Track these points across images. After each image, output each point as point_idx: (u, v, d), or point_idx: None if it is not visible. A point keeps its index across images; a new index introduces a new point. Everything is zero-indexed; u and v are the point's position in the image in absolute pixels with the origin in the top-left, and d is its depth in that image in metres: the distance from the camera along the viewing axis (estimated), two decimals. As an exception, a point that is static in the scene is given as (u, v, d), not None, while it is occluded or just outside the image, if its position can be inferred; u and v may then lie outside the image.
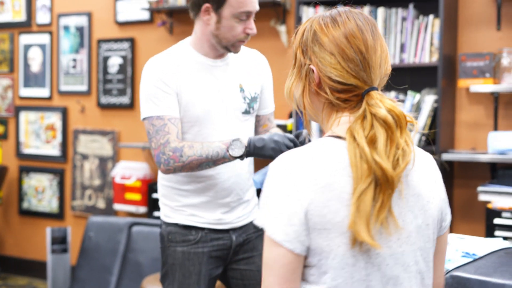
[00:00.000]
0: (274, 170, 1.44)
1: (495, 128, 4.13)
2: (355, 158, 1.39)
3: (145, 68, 2.49)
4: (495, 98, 4.12)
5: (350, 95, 1.48)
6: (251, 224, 2.66)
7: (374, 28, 1.52)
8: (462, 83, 4.08)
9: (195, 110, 2.46)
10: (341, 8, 1.55)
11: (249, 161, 2.64)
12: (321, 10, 4.37)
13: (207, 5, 2.44)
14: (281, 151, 2.22)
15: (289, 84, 1.58)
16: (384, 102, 1.44)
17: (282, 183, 1.41)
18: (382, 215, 1.38)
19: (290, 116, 4.64)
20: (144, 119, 2.45)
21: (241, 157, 2.34)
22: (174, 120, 2.41)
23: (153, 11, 5.19)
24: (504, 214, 3.69)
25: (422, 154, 1.56)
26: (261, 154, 2.33)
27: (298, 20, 4.42)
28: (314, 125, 4.02)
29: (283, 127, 4.53)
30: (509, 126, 4.10)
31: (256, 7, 2.46)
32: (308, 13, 4.41)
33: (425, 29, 4.11)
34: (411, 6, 4.16)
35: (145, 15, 5.34)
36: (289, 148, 2.26)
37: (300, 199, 1.38)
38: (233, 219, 2.59)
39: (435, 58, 4.06)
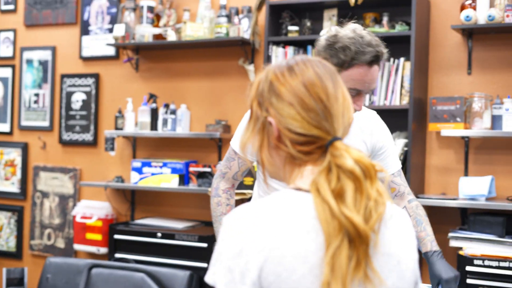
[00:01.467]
0: (228, 223, 1.32)
1: (466, 173, 4.07)
2: (324, 213, 1.28)
3: None
4: (466, 142, 4.07)
5: (313, 147, 1.37)
6: None
7: (334, 75, 1.42)
8: (432, 126, 4.03)
9: None
10: (298, 57, 1.45)
11: None
12: (290, 50, 4.30)
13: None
14: None
15: (244, 139, 1.46)
16: (350, 153, 1.34)
17: (234, 237, 1.29)
18: (360, 273, 1.26)
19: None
20: (230, 143, 2.54)
21: None
22: (242, 162, 2.49)
23: (119, 47, 5.08)
24: (476, 261, 3.61)
25: (396, 210, 1.44)
26: None
27: (268, 59, 4.35)
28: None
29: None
30: (480, 171, 4.05)
31: (370, 87, 2.30)
32: (278, 52, 4.34)
33: (395, 71, 4.06)
34: (382, 48, 4.12)
35: (111, 51, 5.22)
36: None
37: (253, 255, 1.26)
38: None
39: (405, 101, 4.01)
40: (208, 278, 1.31)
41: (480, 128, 3.94)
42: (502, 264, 3.55)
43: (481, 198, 3.85)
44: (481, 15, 3.90)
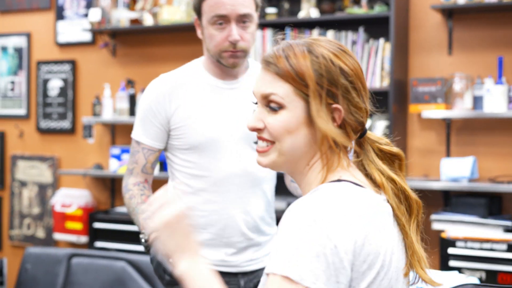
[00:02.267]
0: (312, 214, 1.18)
1: (448, 154, 4.04)
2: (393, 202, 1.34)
3: (146, 88, 2.31)
4: (447, 123, 4.03)
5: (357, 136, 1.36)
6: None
7: None
8: (413, 108, 3.99)
9: (195, 137, 2.20)
10: (313, 38, 1.37)
11: (266, 199, 2.28)
12: (269, 33, 4.23)
13: (195, 17, 2.24)
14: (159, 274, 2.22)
15: (321, 128, 1.29)
16: (380, 138, 1.39)
17: (327, 231, 1.17)
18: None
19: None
20: (131, 135, 2.34)
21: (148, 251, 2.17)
22: (147, 151, 2.26)
23: (95, 32, 4.98)
24: (458, 244, 3.58)
25: None
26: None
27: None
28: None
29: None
30: (462, 153, 4.02)
31: (235, 10, 2.12)
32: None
33: (375, 53, 4.01)
34: (361, 29, 4.06)
35: (87, 37, 5.13)
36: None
37: (347, 252, 1.18)
38: (241, 262, 2.24)
39: (386, 82, 3.97)
40: (291, 273, 1.14)
41: (461, 109, 3.90)
42: (484, 245, 3.53)
43: (464, 180, 3.82)
44: (461, -6, 3.85)
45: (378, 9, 4.02)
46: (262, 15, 4.38)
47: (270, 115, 1.32)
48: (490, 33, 3.99)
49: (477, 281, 2.46)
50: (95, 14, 4.81)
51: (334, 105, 1.28)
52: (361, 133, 1.34)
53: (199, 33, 2.24)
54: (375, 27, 4.09)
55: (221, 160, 2.20)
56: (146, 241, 2.09)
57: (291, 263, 1.14)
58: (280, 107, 1.30)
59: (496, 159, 3.96)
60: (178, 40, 4.85)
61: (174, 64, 4.82)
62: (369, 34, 4.12)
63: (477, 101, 3.89)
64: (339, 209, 1.19)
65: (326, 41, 1.35)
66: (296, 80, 1.29)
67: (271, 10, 4.29)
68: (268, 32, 4.26)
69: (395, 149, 1.37)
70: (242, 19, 2.14)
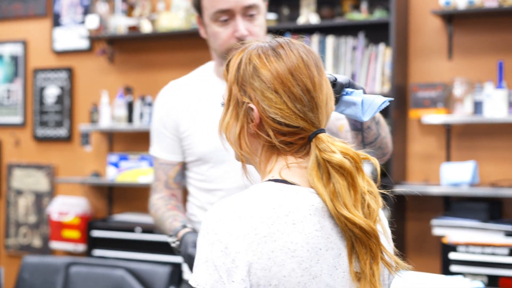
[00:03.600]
0: (208, 221, 1.24)
1: (448, 159, 4.03)
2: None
3: (156, 99, 2.20)
4: (447, 129, 4.03)
5: (296, 137, 1.30)
6: None
7: (319, 61, 1.35)
8: (414, 113, 3.98)
9: (201, 147, 2.04)
10: (280, 39, 1.36)
11: None
12: (268, 39, 4.22)
13: (197, 15, 2.05)
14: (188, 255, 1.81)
15: (225, 123, 1.36)
16: (336, 145, 1.28)
17: (218, 234, 1.21)
18: (379, 263, 1.26)
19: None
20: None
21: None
22: (165, 166, 2.10)
23: (93, 39, 4.96)
24: (459, 249, 3.57)
25: None
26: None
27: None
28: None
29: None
30: (462, 157, 4.01)
31: (239, 2, 1.90)
32: (255, 41, 4.27)
33: (375, 58, 4.01)
34: (361, 35, 4.06)
35: (84, 44, 5.11)
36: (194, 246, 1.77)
37: (239, 251, 1.19)
38: None
39: (386, 88, 3.96)
40: (192, 281, 1.22)
41: (461, 114, 3.90)
42: (486, 250, 3.51)
43: (464, 185, 3.81)
44: (460, 0, 3.85)
45: (378, 14, 4.02)
46: (261, 21, 4.38)
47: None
48: (490, 38, 4.00)
49: (482, 286, 2.45)
50: (92, 21, 4.80)
51: (249, 104, 1.30)
52: (310, 135, 1.30)
53: (202, 32, 2.06)
54: (375, 32, 4.09)
55: (230, 172, 2.01)
56: (175, 242, 1.91)
57: (194, 272, 1.23)
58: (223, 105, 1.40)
59: (496, 163, 3.95)
60: (177, 47, 4.83)
61: (172, 71, 4.83)
62: (369, 39, 4.11)
63: (478, 106, 3.89)
64: (235, 212, 1.22)
65: (274, 43, 1.34)
66: (226, 78, 1.37)
67: (270, 16, 4.29)
68: (268, 39, 4.25)
69: (342, 161, 1.25)
70: (248, 11, 1.93)
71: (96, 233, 4.54)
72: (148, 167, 4.64)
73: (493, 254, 3.50)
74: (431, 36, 4.12)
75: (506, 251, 3.47)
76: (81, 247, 4.88)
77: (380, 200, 1.29)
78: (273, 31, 4.20)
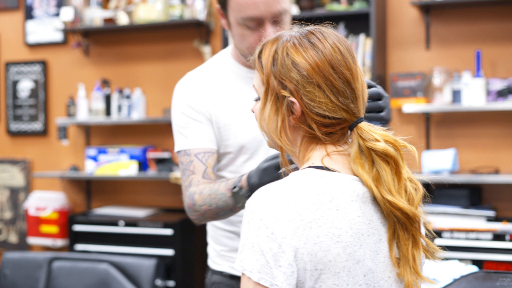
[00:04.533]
0: (253, 206, 1.26)
1: (428, 147, 4.11)
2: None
3: (174, 92, 2.04)
4: (427, 118, 4.11)
5: (337, 128, 1.34)
6: None
7: (351, 49, 1.37)
8: (394, 103, 4.05)
9: (237, 139, 1.95)
10: (311, 27, 1.38)
11: None
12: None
13: (217, 6, 1.96)
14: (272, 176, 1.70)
15: (266, 117, 1.37)
16: (377, 133, 1.31)
17: (264, 220, 1.23)
18: (420, 250, 1.32)
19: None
20: (175, 153, 2.02)
21: None
22: (202, 155, 1.93)
23: (67, 32, 4.90)
24: (444, 235, 3.65)
25: None
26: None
27: (225, 41, 4.27)
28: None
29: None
30: (441, 145, 4.10)
31: (270, 9, 1.82)
32: (236, 33, 4.27)
33: (356, 49, 4.05)
34: (341, 26, 4.10)
35: (58, 36, 5.04)
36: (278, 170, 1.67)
37: (286, 236, 1.22)
38: None
39: (367, 77, 4.01)
40: (237, 265, 1.25)
41: (440, 102, 3.97)
42: (470, 235, 3.60)
43: (445, 172, 3.89)
44: (439, -10, 3.92)
45: (358, 5, 4.07)
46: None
47: (256, 103, 1.43)
48: (467, 28, 4.08)
49: (477, 269, 2.52)
50: (67, 14, 4.74)
51: (290, 98, 1.31)
52: (350, 125, 1.34)
53: (223, 23, 1.97)
54: (354, 23, 4.14)
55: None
56: (241, 189, 1.75)
57: (239, 257, 1.25)
58: (259, 97, 1.40)
59: (475, 151, 4.05)
60: (154, 38, 4.81)
61: (150, 63, 4.81)
62: (349, 30, 4.16)
63: (456, 95, 3.97)
64: (279, 198, 1.25)
65: (305, 32, 1.36)
66: (261, 70, 1.37)
67: (250, 7, 4.29)
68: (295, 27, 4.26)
69: (386, 149, 1.30)
70: (278, 17, 1.86)
71: (78, 228, 4.51)
72: (128, 160, 4.62)
73: (477, 239, 3.59)
74: (409, 27, 4.19)
75: (489, 236, 3.56)
76: (60, 242, 4.84)
77: (420, 187, 1.34)
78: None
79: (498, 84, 3.90)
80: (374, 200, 1.30)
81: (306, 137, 1.36)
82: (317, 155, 1.35)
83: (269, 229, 1.22)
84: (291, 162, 1.55)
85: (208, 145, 1.94)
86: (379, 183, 1.28)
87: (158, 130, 4.80)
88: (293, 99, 1.32)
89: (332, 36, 1.36)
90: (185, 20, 4.46)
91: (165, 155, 4.60)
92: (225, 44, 4.27)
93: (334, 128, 1.33)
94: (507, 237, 3.53)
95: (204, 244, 4.47)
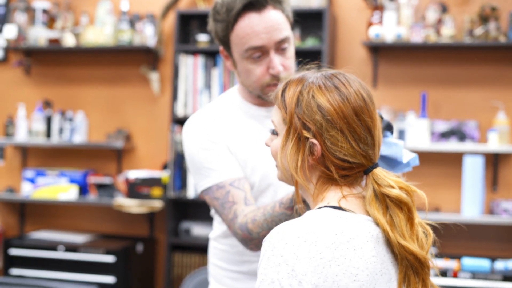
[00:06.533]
0: (274, 243, 1.29)
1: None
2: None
3: (184, 133, 1.97)
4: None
5: (354, 171, 1.38)
6: None
7: (371, 95, 1.43)
8: (341, 139, 4.13)
9: (253, 178, 1.91)
10: (333, 71, 1.43)
11: None
12: (200, 60, 4.26)
13: (221, 48, 1.95)
14: None
15: (287, 155, 1.40)
16: (390, 179, 1.37)
17: (284, 257, 1.27)
18: None
19: (165, 167, 4.44)
20: (203, 194, 1.91)
21: None
22: (237, 182, 1.85)
23: (9, 50, 4.78)
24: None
25: None
26: None
27: (175, 68, 4.27)
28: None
29: (157, 180, 4.32)
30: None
31: (271, 38, 1.83)
32: (187, 61, 4.28)
33: (307, 84, 4.13)
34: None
35: (-1, 54, 4.90)
36: None
37: (306, 274, 1.26)
38: None
39: (317, 113, 4.09)
40: None
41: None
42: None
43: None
44: (388, 32, 4.06)
45: (311, 42, 4.16)
46: (194, 41, 4.40)
47: (274, 138, 1.48)
48: (413, 70, 4.24)
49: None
50: (10, 31, 4.62)
51: (311, 140, 1.36)
52: (366, 170, 1.39)
53: (228, 64, 1.97)
54: (305, 59, 4.21)
55: (274, 198, 1.91)
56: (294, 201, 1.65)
57: None
58: (277, 132, 1.45)
59: (420, 190, 4.17)
60: (99, 61, 4.74)
61: (95, 86, 4.74)
62: (300, 66, 4.23)
63: (401, 134, 4.10)
64: (300, 236, 1.28)
65: (329, 74, 1.41)
66: (284, 109, 1.40)
67: (202, 37, 4.32)
68: (200, 59, 4.28)
69: (400, 195, 1.35)
70: (281, 46, 1.85)
71: (13, 252, 4.35)
72: (68, 183, 4.52)
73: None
74: (357, 65, 4.31)
75: (432, 272, 3.67)
76: (-10, 266, 4.66)
77: (431, 232, 1.40)
78: (205, 52, 4.25)
79: (441, 126, 4.06)
80: (386, 241, 1.34)
81: (322, 177, 1.39)
82: (333, 195, 1.38)
83: (290, 266, 1.26)
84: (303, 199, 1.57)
85: (238, 172, 1.88)
86: (393, 228, 1.33)
87: (100, 155, 4.72)
88: (315, 141, 1.35)
89: (356, 82, 1.41)
90: (134, 46, 4.43)
91: (106, 180, 4.53)
92: (175, 72, 4.27)
93: (351, 171, 1.38)
94: (449, 274, 3.65)
95: (147, 271, 4.40)
